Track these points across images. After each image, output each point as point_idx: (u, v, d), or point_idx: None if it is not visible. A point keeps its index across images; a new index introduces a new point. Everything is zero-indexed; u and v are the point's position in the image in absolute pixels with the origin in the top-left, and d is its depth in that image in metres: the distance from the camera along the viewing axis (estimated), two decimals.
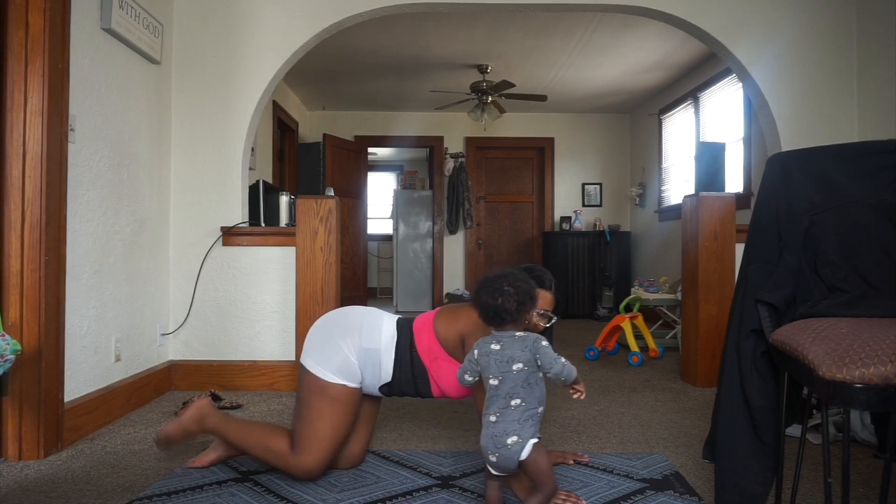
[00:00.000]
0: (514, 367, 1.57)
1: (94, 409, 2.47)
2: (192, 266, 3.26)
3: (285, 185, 6.46)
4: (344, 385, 1.87)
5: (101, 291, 2.57)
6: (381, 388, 1.94)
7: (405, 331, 1.96)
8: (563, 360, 1.60)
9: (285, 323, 3.27)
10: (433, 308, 7.48)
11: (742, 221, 3.12)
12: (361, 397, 1.96)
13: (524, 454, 1.52)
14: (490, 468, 1.59)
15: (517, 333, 1.62)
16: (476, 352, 1.64)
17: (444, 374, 1.91)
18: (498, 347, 1.60)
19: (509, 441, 1.52)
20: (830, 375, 1.16)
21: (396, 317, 2.02)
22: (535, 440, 1.54)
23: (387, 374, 1.92)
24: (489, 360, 1.60)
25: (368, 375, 1.92)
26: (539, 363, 1.58)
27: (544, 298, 1.91)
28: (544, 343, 1.59)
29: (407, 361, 1.92)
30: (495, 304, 1.61)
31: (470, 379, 1.67)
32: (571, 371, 1.62)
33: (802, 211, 1.58)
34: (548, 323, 1.92)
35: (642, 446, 2.31)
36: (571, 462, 2.07)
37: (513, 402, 1.55)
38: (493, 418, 1.56)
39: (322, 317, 2.04)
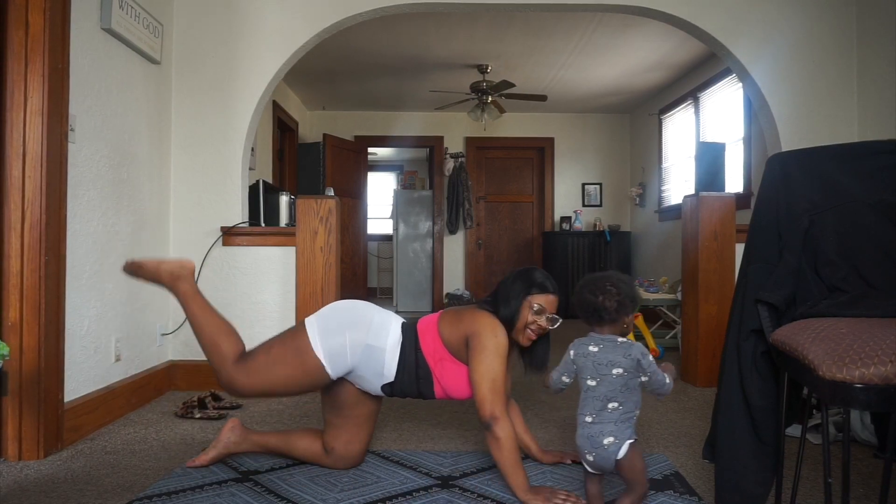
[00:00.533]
0: (614, 371, 1.57)
1: (94, 409, 2.47)
2: None
3: (285, 185, 6.46)
4: (322, 365, 1.89)
5: (101, 291, 2.57)
6: (384, 387, 1.95)
7: (409, 333, 1.97)
8: (668, 380, 1.61)
9: (285, 323, 3.27)
10: (433, 308, 7.51)
11: (742, 221, 3.12)
12: (325, 385, 1.96)
13: (621, 454, 1.53)
14: (587, 466, 1.61)
15: (619, 339, 1.62)
16: (572, 352, 1.66)
17: (450, 375, 1.92)
18: (596, 350, 1.61)
19: (605, 441, 1.54)
20: (830, 375, 1.16)
21: (402, 320, 2.03)
22: (631, 441, 1.55)
23: (390, 373, 1.92)
24: (586, 362, 1.61)
25: (368, 372, 1.92)
26: (647, 377, 1.58)
27: (549, 301, 1.93)
28: (651, 358, 1.59)
29: (412, 362, 1.93)
30: (595, 302, 1.61)
31: (567, 380, 1.69)
32: (669, 390, 1.63)
33: (802, 211, 1.57)
34: (553, 325, 1.93)
35: (642, 446, 2.31)
36: (569, 462, 2.07)
37: (610, 405, 1.56)
38: (588, 419, 1.58)
39: (343, 301, 2.05)
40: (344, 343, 1.90)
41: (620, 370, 1.56)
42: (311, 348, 1.89)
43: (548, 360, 2.01)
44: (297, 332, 1.95)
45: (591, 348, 1.62)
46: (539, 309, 1.90)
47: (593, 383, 1.58)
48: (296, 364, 1.89)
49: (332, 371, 1.91)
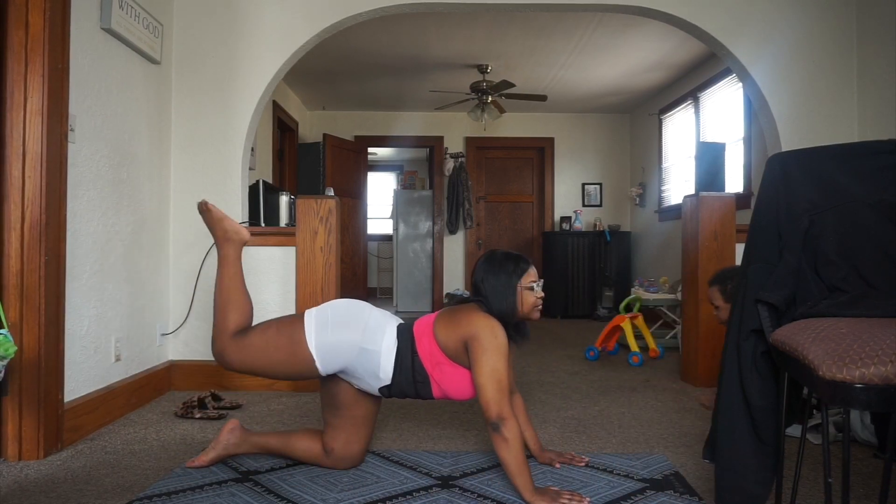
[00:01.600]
0: None
1: (94, 409, 2.47)
2: (192, 266, 3.25)
3: (285, 185, 6.46)
4: (313, 359, 1.90)
5: (101, 291, 2.57)
6: (381, 389, 1.95)
7: (406, 335, 1.96)
8: None
9: None
10: (433, 308, 7.52)
11: (742, 221, 3.12)
12: (313, 377, 1.97)
13: None
14: None
15: None
16: None
17: (449, 379, 1.91)
18: None
19: None
20: (830, 375, 1.16)
21: (398, 321, 2.03)
22: None
23: (386, 376, 1.92)
24: None
25: (364, 373, 1.92)
26: None
27: (532, 272, 1.97)
28: None
29: (408, 365, 1.92)
30: None
31: None
32: None
33: (802, 211, 1.57)
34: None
35: (642, 446, 2.31)
36: (557, 466, 2.06)
37: None
38: None
39: (343, 300, 2.05)
40: (337, 342, 1.90)
41: None
42: (305, 341, 1.90)
43: (528, 332, 2.06)
44: (294, 322, 1.96)
45: None
46: (532, 285, 1.94)
47: None
48: (287, 352, 1.91)
49: (322, 367, 1.91)
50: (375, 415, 2.09)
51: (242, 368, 1.95)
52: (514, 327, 1.97)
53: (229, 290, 2.02)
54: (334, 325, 1.92)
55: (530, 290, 1.93)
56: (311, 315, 1.96)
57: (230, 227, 2.08)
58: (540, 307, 1.98)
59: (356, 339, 1.91)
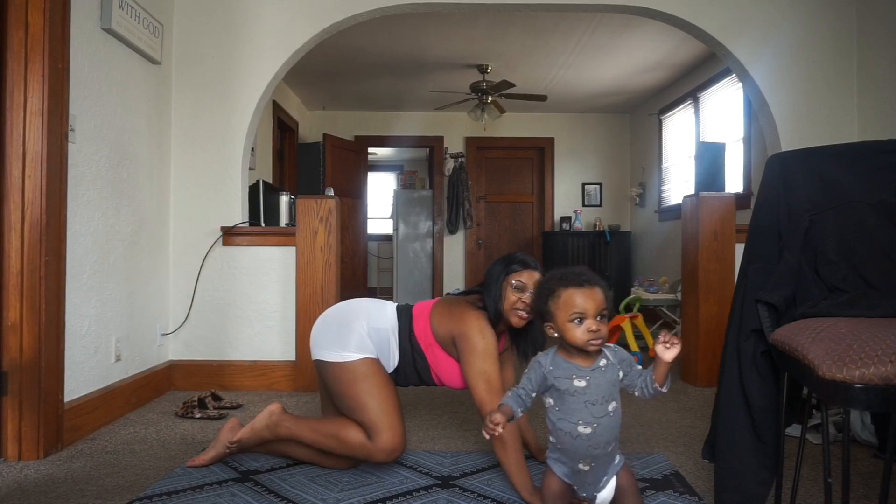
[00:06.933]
0: None
1: (94, 409, 2.46)
2: (192, 266, 3.25)
3: (285, 185, 6.46)
4: (366, 357, 1.91)
5: (101, 291, 2.57)
6: (391, 374, 1.97)
7: (404, 316, 2.00)
8: None
9: (285, 323, 3.27)
10: None
11: (742, 221, 3.12)
12: (391, 374, 1.98)
13: None
14: None
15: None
16: None
17: (440, 363, 1.95)
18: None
19: None
20: (830, 375, 1.16)
21: (394, 304, 2.07)
22: None
23: (394, 357, 1.96)
24: None
25: (382, 356, 1.95)
26: None
27: (530, 277, 1.86)
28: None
29: (407, 345, 1.96)
30: None
31: None
32: None
33: (802, 211, 1.58)
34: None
35: (642, 446, 2.31)
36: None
37: None
38: None
39: (324, 312, 2.07)
40: (358, 332, 1.93)
41: None
42: (347, 363, 1.90)
43: (545, 341, 1.80)
44: (330, 374, 1.93)
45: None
46: (519, 285, 1.85)
47: None
48: (366, 382, 1.88)
49: (373, 355, 1.93)
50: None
51: (399, 430, 1.87)
52: (522, 334, 1.93)
53: (323, 435, 1.92)
54: (345, 329, 1.94)
55: (513, 286, 1.85)
56: (321, 351, 1.95)
57: (266, 422, 1.99)
58: (521, 313, 1.85)
59: (364, 325, 1.95)
